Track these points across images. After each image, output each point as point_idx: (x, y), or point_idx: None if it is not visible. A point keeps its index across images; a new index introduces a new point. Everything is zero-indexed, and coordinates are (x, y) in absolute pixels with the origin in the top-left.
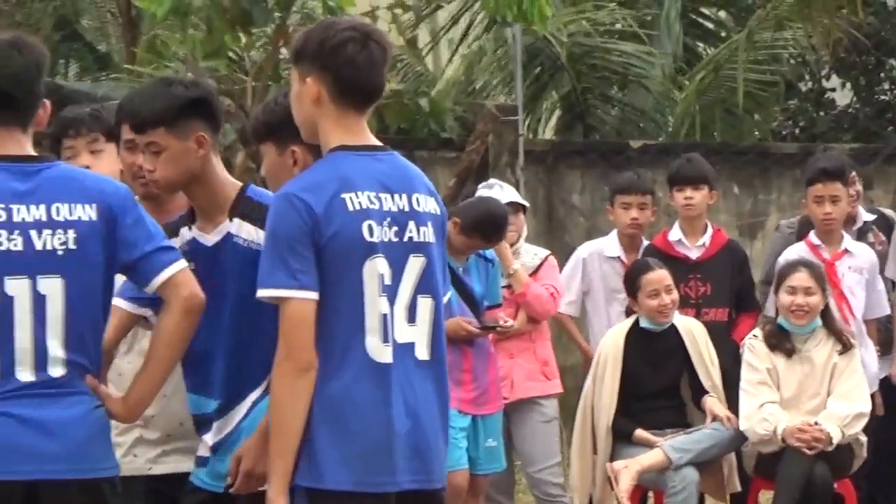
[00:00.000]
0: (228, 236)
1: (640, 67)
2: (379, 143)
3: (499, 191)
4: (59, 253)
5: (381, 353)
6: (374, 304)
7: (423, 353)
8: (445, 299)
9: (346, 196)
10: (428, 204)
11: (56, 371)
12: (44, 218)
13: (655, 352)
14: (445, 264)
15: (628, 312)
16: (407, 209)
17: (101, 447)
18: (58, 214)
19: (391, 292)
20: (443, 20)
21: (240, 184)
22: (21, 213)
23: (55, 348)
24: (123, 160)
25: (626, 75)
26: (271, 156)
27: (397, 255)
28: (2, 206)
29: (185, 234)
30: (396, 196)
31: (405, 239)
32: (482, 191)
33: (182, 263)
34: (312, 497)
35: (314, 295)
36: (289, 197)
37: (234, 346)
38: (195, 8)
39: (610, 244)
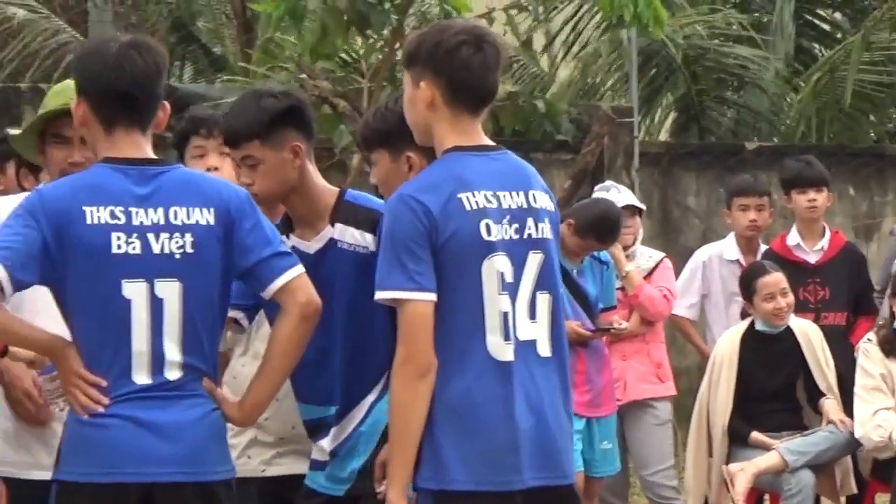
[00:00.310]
0: (332, 242)
1: (755, 70)
2: (492, 143)
3: (616, 193)
4: (177, 257)
5: (502, 351)
6: (494, 303)
7: (544, 349)
8: None
9: (462, 196)
10: (543, 200)
11: (172, 374)
12: (162, 221)
13: (771, 354)
14: (558, 261)
15: (743, 315)
16: (525, 206)
17: (217, 450)
18: (175, 218)
19: (512, 290)
20: (557, 21)
21: (336, 189)
22: (139, 216)
23: (172, 352)
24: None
25: (741, 77)
26: (384, 162)
27: (518, 253)
28: (121, 209)
29: (284, 242)
30: (514, 193)
31: (525, 236)
32: (598, 193)
33: (299, 269)
34: (438, 498)
35: (432, 296)
36: (405, 198)
37: (349, 350)
38: (310, 10)
39: (728, 247)
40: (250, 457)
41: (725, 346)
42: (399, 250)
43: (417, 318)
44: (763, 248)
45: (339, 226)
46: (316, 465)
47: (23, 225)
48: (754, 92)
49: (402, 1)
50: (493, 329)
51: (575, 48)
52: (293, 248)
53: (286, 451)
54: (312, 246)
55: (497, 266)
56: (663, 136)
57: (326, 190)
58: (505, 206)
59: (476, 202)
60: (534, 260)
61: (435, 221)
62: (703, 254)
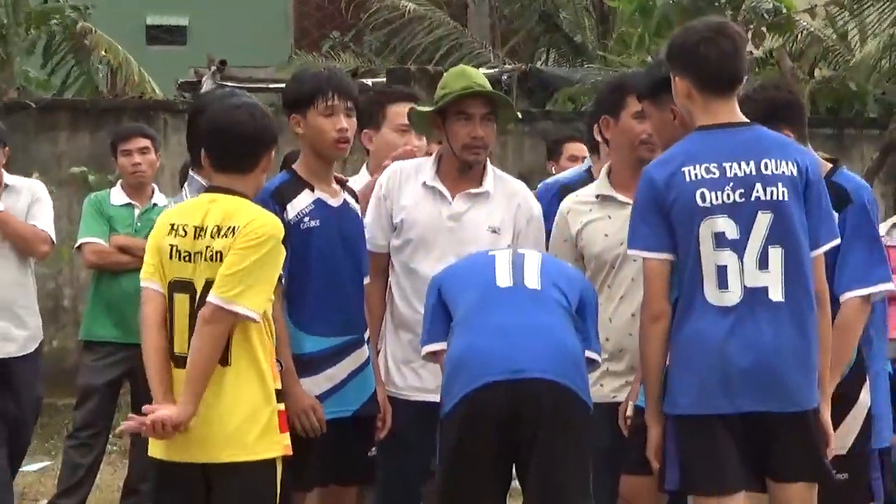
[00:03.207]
0: None
1: None
2: (743, 121)
3: None
4: None
5: (718, 297)
6: (711, 258)
7: (776, 294)
8: None
9: (685, 169)
10: (782, 167)
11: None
12: None
13: None
14: (798, 219)
15: None
16: (753, 173)
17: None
18: None
19: (738, 245)
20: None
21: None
22: None
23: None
24: (632, 128)
25: None
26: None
27: (743, 214)
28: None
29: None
30: (742, 163)
31: (752, 198)
32: None
33: None
34: (673, 421)
35: (660, 255)
36: (644, 171)
37: None
38: (658, 6)
39: None
40: (602, 385)
41: None
42: (636, 215)
43: (649, 272)
44: None
45: None
46: None
47: None
48: None
49: None
50: (709, 279)
51: (884, 36)
52: None
53: (633, 379)
54: None
55: (714, 227)
56: None
57: None
58: (730, 174)
59: (695, 174)
60: (763, 219)
61: (660, 190)
62: None
